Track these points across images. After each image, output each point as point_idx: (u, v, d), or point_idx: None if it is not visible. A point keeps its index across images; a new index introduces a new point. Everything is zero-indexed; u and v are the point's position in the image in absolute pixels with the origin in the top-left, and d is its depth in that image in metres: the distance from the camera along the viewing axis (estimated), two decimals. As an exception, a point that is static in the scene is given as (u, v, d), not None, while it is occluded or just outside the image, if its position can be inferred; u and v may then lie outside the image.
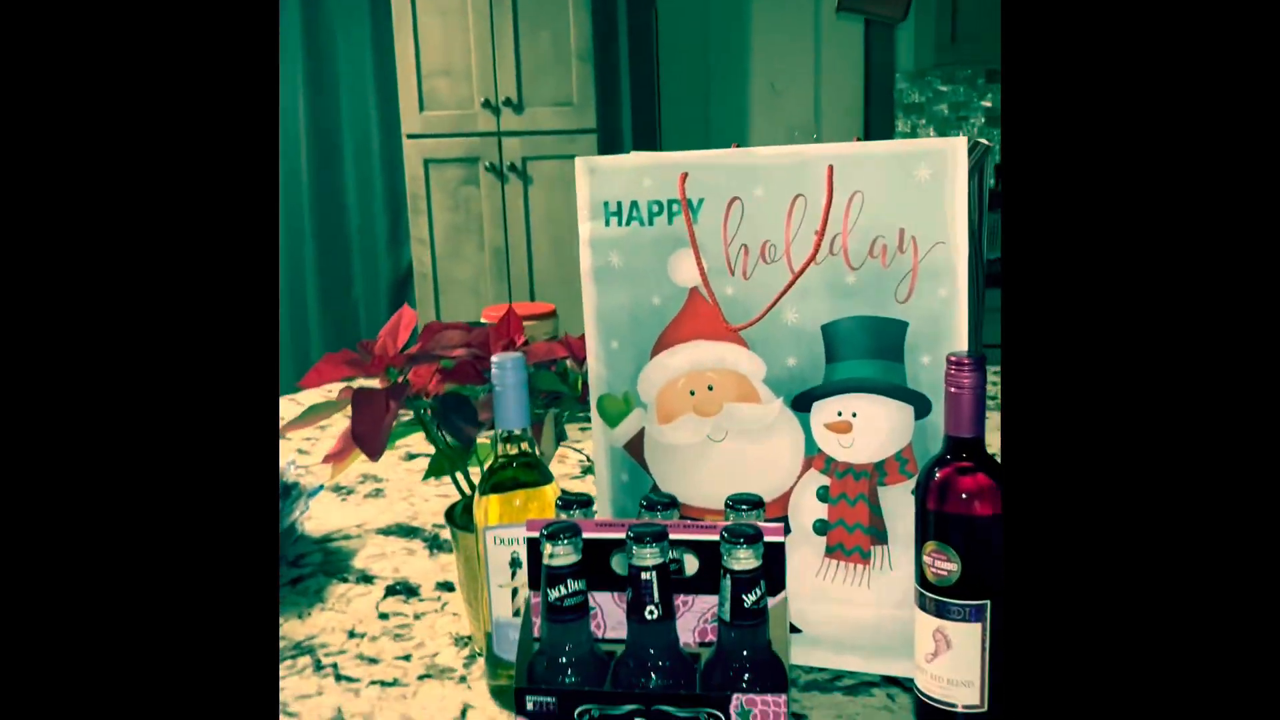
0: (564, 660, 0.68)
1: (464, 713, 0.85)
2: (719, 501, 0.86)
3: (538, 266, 3.00)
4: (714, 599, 0.72)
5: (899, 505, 0.83)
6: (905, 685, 0.85)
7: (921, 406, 0.82)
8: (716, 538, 0.69)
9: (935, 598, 0.76)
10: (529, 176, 2.93)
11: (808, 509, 0.85)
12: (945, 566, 0.75)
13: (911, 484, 0.83)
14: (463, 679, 0.90)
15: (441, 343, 0.86)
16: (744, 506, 0.75)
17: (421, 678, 0.91)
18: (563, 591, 0.66)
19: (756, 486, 0.86)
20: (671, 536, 0.68)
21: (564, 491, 0.76)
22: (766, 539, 0.66)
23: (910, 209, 0.79)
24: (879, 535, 0.84)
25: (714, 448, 0.87)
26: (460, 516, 0.94)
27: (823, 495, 0.85)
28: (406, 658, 0.94)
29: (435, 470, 0.95)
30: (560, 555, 0.66)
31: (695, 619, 0.73)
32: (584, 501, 0.75)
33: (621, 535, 0.70)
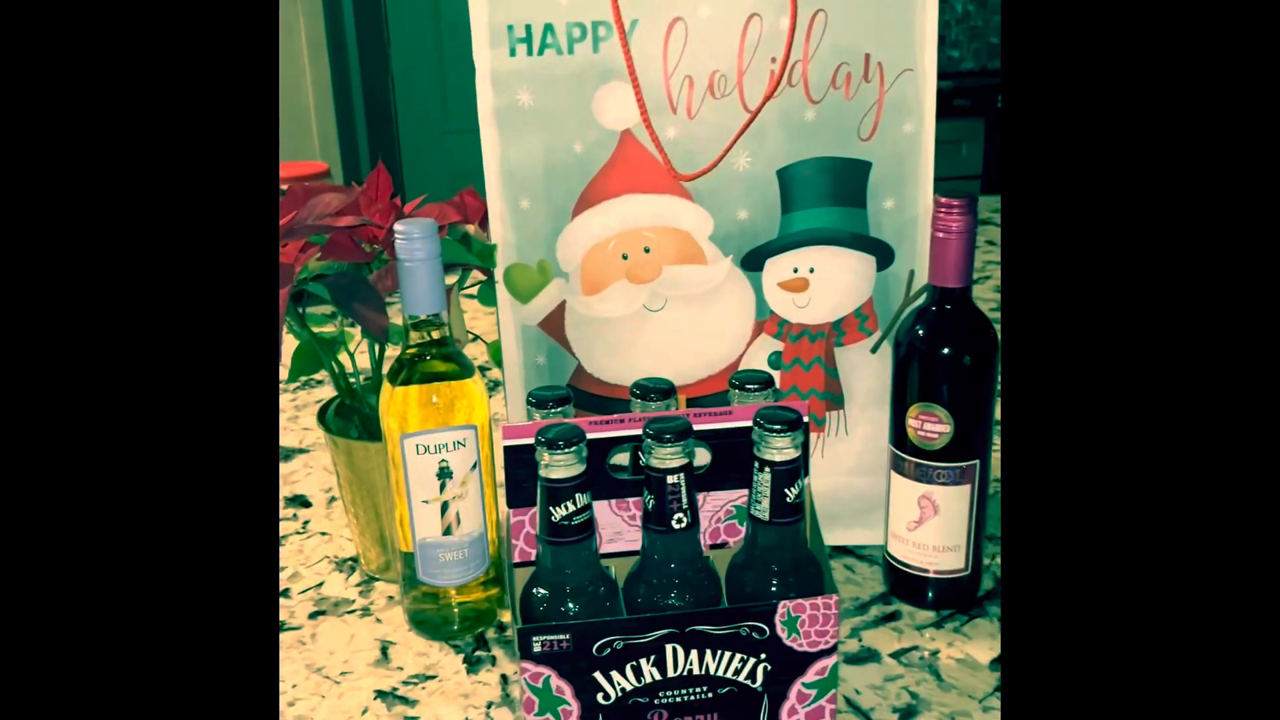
0: (569, 589, 0.56)
1: (385, 651, 0.71)
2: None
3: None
4: (726, 495, 0.63)
5: (857, 365, 0.76)
6: (858, 554, 0.80)
7: (884, 256, 0.74)
8: (734, 425, 0.59)
9: (920, 462, 0.70)
10: None
11: (758, 378, 0.77)
12: (935, 429, 0.69)
13: (870, 342, 0.76)
14: (366, 611, 0.76)
15: (318, 209, 0.67)
16: (654, 395, 0.63)
17: (315, 615, 0.75)
18: (569, 509, 0.54)
19: (701, 358, 0.76)
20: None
21: (536, 389, 0.63)
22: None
23: (877, 30, 0.70)
24: (835, 400, 0.77)
25: (651, 319, 0.75)
26: (334, 419, 0.78)
27: (774, 361, 0.77)
28: (284, 593, 0.78)
29: (301, 367, 0.78)
30: (562, 465, 0.54)
31: (706, 520, 0.63)
32: (562, 398, 0.62)
33: (618, 433, 0.59)
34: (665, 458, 0.54)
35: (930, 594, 0.74)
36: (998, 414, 0.76)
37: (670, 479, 0.54)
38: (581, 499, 0.55)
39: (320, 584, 0.79)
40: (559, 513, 0.54)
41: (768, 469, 0.55)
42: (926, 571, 0.73)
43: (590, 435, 0.58)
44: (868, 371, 0.76)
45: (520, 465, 0.58)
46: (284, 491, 0.93)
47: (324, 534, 0.86)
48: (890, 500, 0.73)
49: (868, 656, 0.69)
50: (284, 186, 1.14)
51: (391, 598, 0.77)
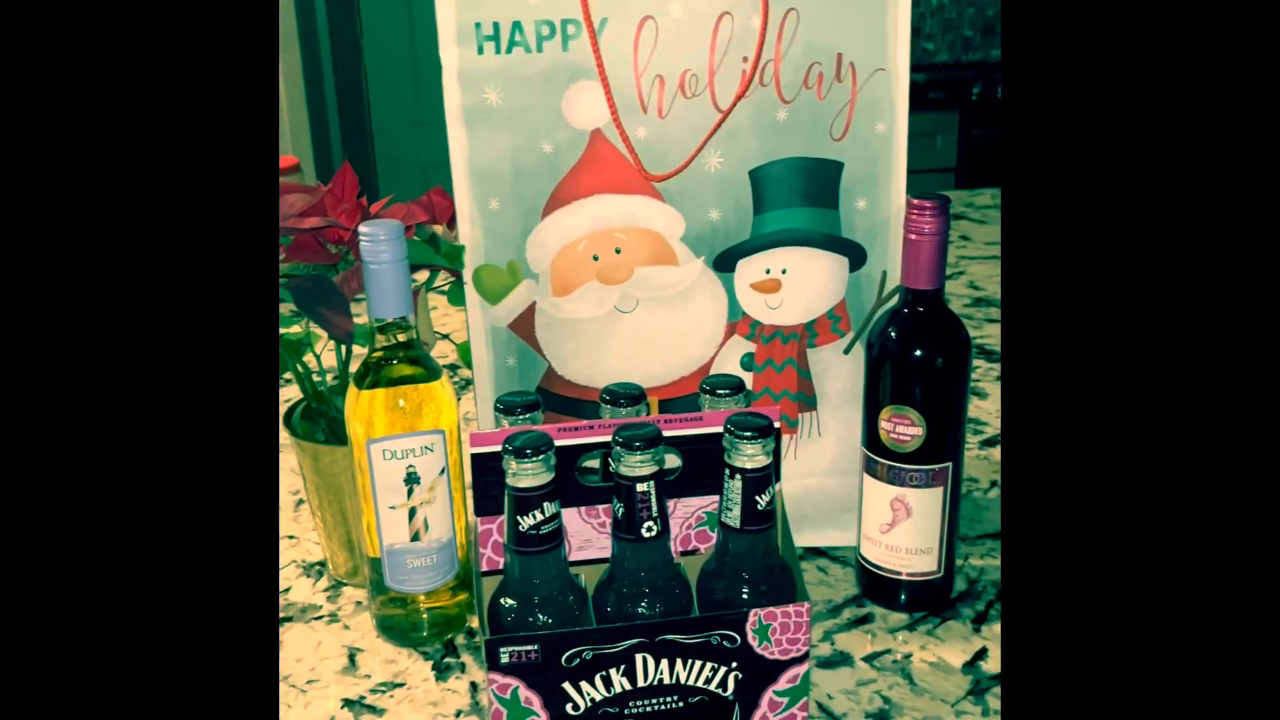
0: (537, 599, 0.55)
1: (352, 659, 0.70)
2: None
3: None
4: (696, 502, 0.62)
5: (831, 366, 0.76)
6: (830, 555, 0.80)
7: (857, 257, 0.74)
8: (703, 431, 0.59)
9: (893, 465, 0.70)
10: None
11: (730, 380, 0.76)
12: (908, 432, 0.69)
13: (844, 343, 0.76)
14: (334, 617, 0.75)
15: (283, 210, 0.66)
16: (624, 401, 0.63)
17: (282, 622, 0.74)
18: (537, 518, 0.53)
19: (672, 360, 0.75)
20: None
21: (504, 394, 0.62)
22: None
23: (849, 29, 0.69)
24: (808, 401, 0.77)
25: (623, 320, 0.74)
26: (300, 422, 0.77)
27: (747, 363, 0.76)
28: (250, 600, 0.77)
29: (267, 371, 0.76)
30: (530, 474, 0.53)
31: (677, 526, 0.62)
32: (530, 404, 0.61)
33: (587, 440, 0.58)
34: (635, 465, 0.53)
35: (903, 596, 0.73)
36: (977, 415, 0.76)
37: (640, 487, 0.53)
38: (550, 508, 0.54)
39: (287, 589, 0.78)
40: (527, 522, 0.53)
41: (738, 476, 0.55)
42: (899, 574, 0.73)
43: (559, 442, 0.57)
44: (841, 372, 0.76)
45: (488, 473, 0.58)
46: (251, 494, 0.92)
47: (291, 537, 0.85)
48: (863, 503, 0.73)
49: (840, 660, 0.69)
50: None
51: (360, 603, 0.76)
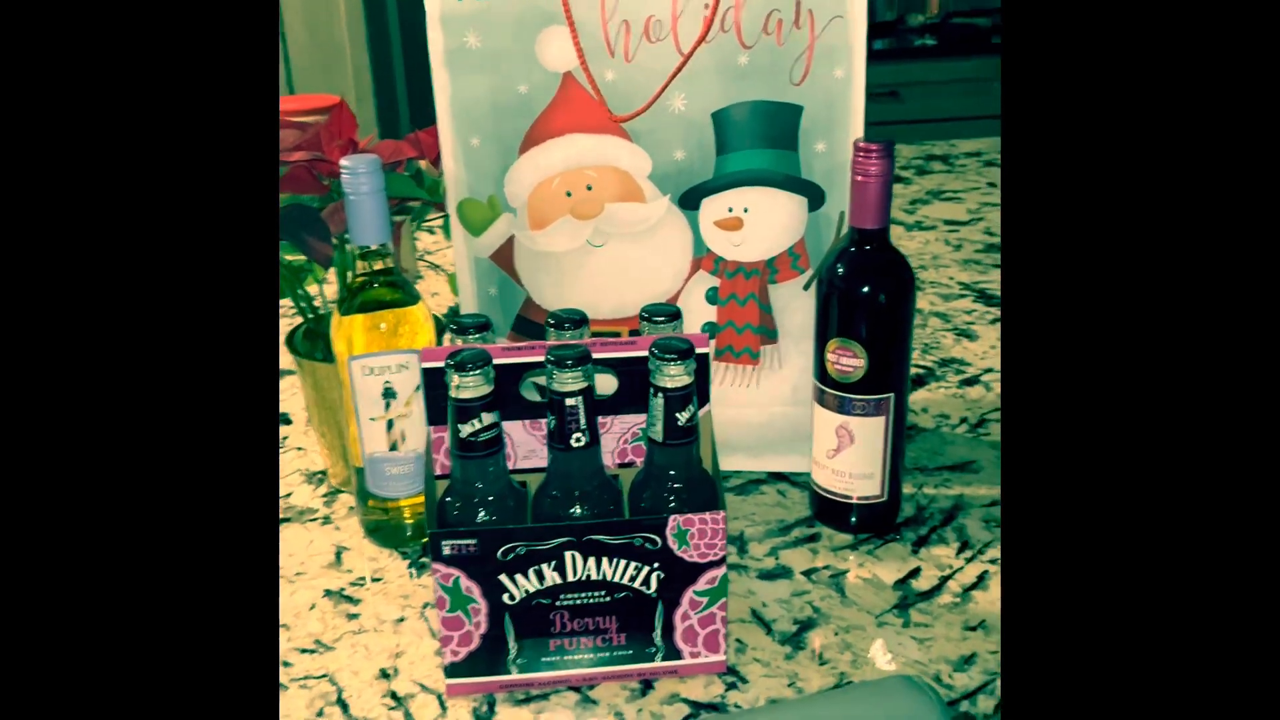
0: (478, 499, 0.61)
1: (339, 556, 0.78)
2: (601, 312, 0.81)
3: (292, 52, 2.71)
4: (632, 419, 0.67)
5: (791, 300, 0.80)
6: (791, 479, 0.85)
7: (815, 197, 0.77)
8: (635, 354, 0.64)
9: (838, 394, 0.74)
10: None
11: (695, 313, 0.81)
12: (851, 363, 0.73)
13: (803, 279, 0.80)
14: (327, 519, 0.82)
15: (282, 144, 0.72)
16: (567, 325, 0.68)
17: (281, 522, 0.82)
18: (476, 426, 0.59)
19: (641, 293, 0.80)
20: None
21: (459, 315, 0.68)
22: (697, 351, 0.61)
23: (807, -22, 0.72)
24: (769, 334, 0.81)
25: (594, 254, 0.79)
26: (301, 342, 0.84)
27: (711, 297, 0.80)
28: (256, 502, 0.85)
29: (270, 294, 0.83)
30: (470, 387, 0.59)
31: (614, 441, 0.68)
32: (482, 324, 0.67)
33: (528, 359, 0.63)
34: (566, 382, 0.59)
35: (853, 519, 0.78)
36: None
37: (569, 401, 0.59)
38: (488, 418, 0.60)
39: (289, 494, 0.86)
40: (467, 429, 0.59)
41: (660, 394, 0.60)
42: (849, 498, 0.77)
43: (502, 360, 0.62)
44: (799, 307, 0.80)
45: (437, 386, 0.64)
46: (269, 409, 1.00)
47: (300, 449, 0.93)
48: (814, 430, 0.77)
49: (780, 573, 0.74)
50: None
51: (352, 508, 0.83)
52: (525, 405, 0.66)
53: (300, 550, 0.78)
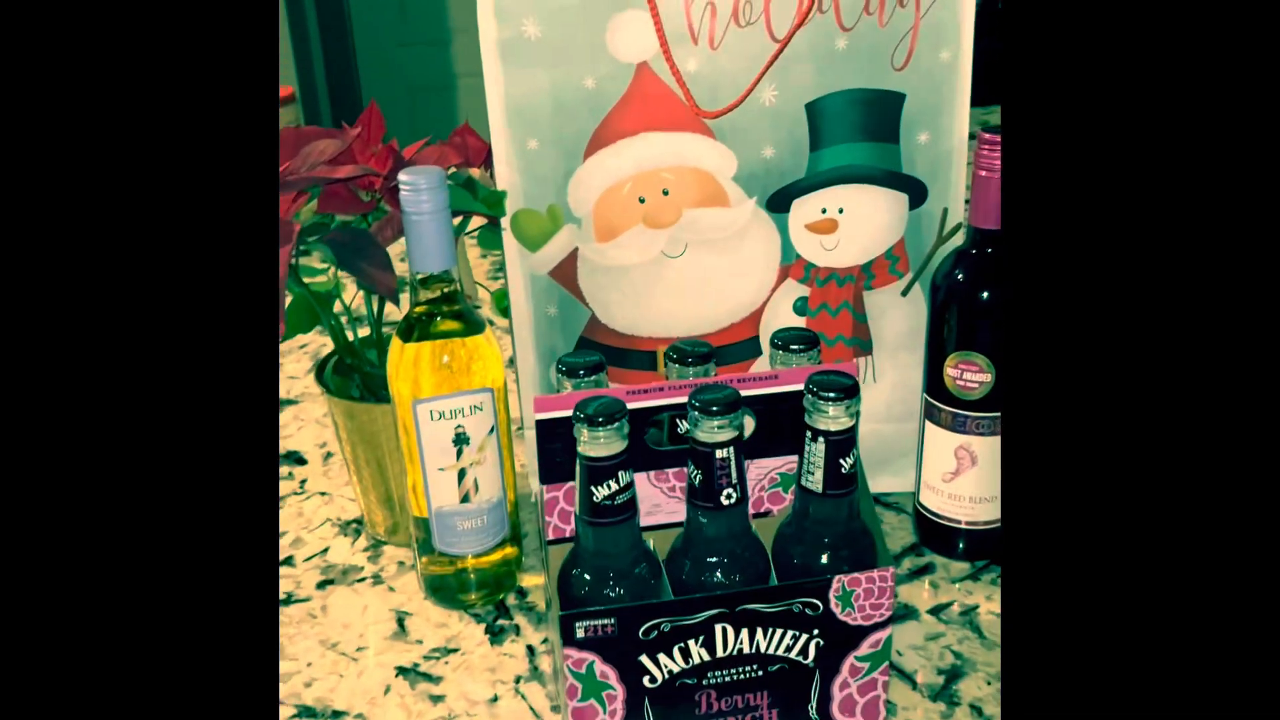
0: (612, 571, 0.53)
1: (401, 624, 0.68)
2: (679, 331, 0.72)
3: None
4: (770, 463, 0.59)
5: (887, 309, 0.73)
6: (884, 501, 0.78)
7: (917, 194, 0.70)
8: (779, 389, 0.56)
9: (959, 412, 0.67)
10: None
11: (783, 325, 0.73)
12: (976, 378, 0.66)
13: (902, 284, 0.72)
14: (378, 579, 0.72)
15: (312, 158, 0.61)
16: (692, 360, 0.59)
17: (323, 585, 0.72)
18: (612, 488, 0.51)
19: (722, 306, 0.72)
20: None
21: (565, 355, 0.58)
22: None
23: (913, -50, 0.64)
24: (863, 346, 0.74)
25: (670, 265, 0.71)
26: (332, 377, 0.73)
27: (800, 308, 0.73)
28: (288, 561, 0.75)
29: (297, 325, 0.72)
30: (603, 443, 0.50)
31: (750, 490, 0.59)
32: (595, 365, 0.57)
33: (654, 401, 0.55)
34: (714, 431, 0.50)
35: (961, 545, 0.71)
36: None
37: (720, 453, 0.51)
38: (624, 477, 0.51)
39: (325, 550, 0.76)
40: (601, 492, 0.51)
41: (821, 439, 0.52)
42: (959, 522, 0.70)
43: (628, 406, 0.54)
44: (897, 315, 0.73)
45: (553, 439, 0.55)
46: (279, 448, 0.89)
47: (323, 494, 0.82)
48: (924, 450, 0.70)
49: (905, 614, 0.67)
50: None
51: (403, 563, 0.73)
52: (649, 454, 0.57)
53: (356, 620, 0.68)
